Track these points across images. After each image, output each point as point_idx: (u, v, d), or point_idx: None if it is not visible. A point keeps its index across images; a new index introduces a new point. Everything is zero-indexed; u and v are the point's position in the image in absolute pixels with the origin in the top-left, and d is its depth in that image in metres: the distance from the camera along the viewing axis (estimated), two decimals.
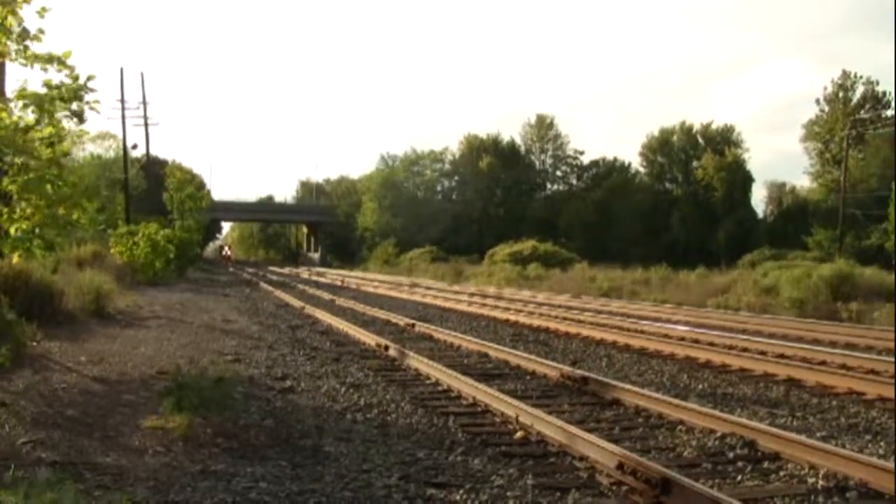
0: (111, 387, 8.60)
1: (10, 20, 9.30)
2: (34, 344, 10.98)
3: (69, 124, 10.19)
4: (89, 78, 9.84)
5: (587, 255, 52.49)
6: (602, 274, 37.45)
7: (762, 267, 35.88)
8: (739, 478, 5.61)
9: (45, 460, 5.60)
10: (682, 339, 13.94)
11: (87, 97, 9.94)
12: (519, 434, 6.79)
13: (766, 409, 8.09)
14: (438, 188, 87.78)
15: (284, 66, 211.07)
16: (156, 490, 5.01)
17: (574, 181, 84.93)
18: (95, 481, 5.12)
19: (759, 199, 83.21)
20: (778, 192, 72.75)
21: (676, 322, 17.47)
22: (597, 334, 14.59)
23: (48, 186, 9.98)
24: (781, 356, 11.69)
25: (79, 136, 10.65)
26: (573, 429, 6.40)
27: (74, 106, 9.88)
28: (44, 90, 9.69)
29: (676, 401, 7.78)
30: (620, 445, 5.98)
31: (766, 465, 5.94)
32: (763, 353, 12.12)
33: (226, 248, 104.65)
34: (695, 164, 74.30)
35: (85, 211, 10.68)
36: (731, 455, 6.16)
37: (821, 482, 5.42)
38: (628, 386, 8.67)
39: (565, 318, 17.61)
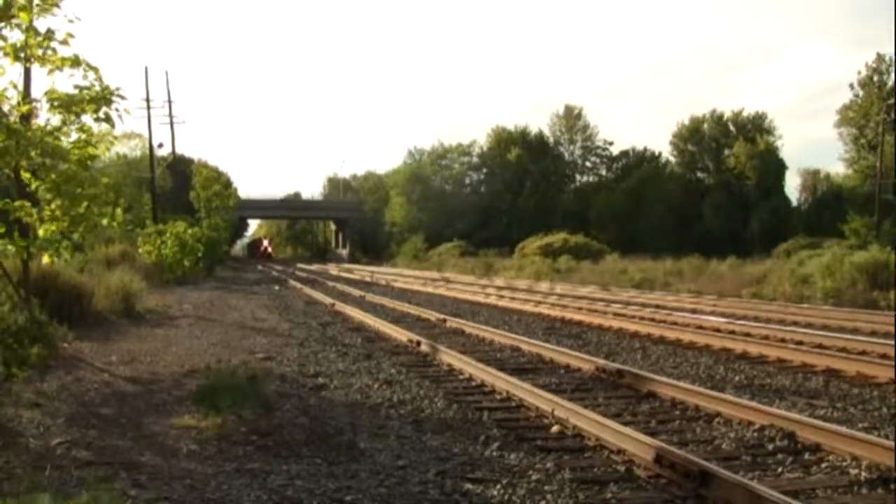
0: (143, 386, 8.69)
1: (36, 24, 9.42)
2: (66, 345, 11.09)
3: (97, 126, 10.30)
4: (117, 89, 9.96)
5: (618, 246, 52.21)
6: (633, 265, 37.28)
7: (797, 256, 35.47)
8: (780, 470, 5.57)
9: (81, 460, 5.67)
10: (717, 330, 13.85)
11: (116, 104, 10.05)
12: (555, 428, 6.79)
13: (805, 400, 8.01)
14: (466, 181, 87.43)
15: (310, 62, 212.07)
16: (192, 489, 5.06)
17: (604, 172, 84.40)
18: (131, 481, 5.17)
19: (792, 186, 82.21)
20: (812, 179, 71.76)
21: (711, 313, 17.37)
22: (630, 326, 14.55)
23: (77, 188, 10.10)
24: (820, 346, 11.58)
25: (110, 141, 10.70)
26: (609, 422, 6.39)
27: (103, 111, 9.99)
28: (73, 91, 9.80)
29: (713, 392, 7.74)
30: (657, 438, 5.96)
31: (806, 456, 5.89)
32: (800, 343, 12.01)
33: (265, 243, 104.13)
34: (726, 152, 73.55)
35: (114, 215, 10.79)
36: (770, 447, 6.12)
37: (863, 474, 5.37)
38: (664, 378, 8.65)
39: (598, 311, 17.57)
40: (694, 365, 10.50)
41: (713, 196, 71.11)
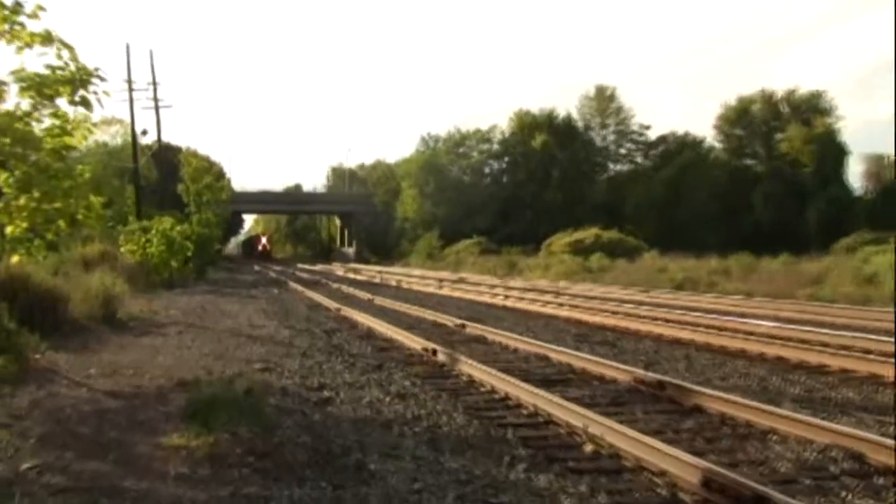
0: (126, 402, 8.67)
1: None
2: (38, 356, 11.11)
3: (73, 111, 10.27)
4: (95, 69, 9.94)
5: (657, 242, 52.07)
6: (674, 264, 37.19)
7: (861, 252, 35.26)
8: (846, 495, 5.52)
9: (55, 486, 5.66)
10: (770, 336, 13.76)
11: (94, 86, 10.01)
12: (588, 447, 6.76)
13: (874, 417, 7.95)
14: (486, 171, 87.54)
15: (311, 39, 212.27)
16: None
17: (640, 159, 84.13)
18: None
19: (854, 174, 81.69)
20: (877, 165, 71.29)
21: (762, 317, 17.29)
22: (671, 332, 14.54)
23: (51, 180, 10.09)
24: (888, 355, 11.48)
25: (88, 128, 10.65)
26: (650, 440, 6.36)
27: (79, 94, 9.97)
28: (44, 72, 9.78)
29: (767, 407, 7.69)
30: (705, 459, 5.93)
31: (877, 480, 5.83)
32: (868, 351, 11.93)
33: (262, 241, 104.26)
34: (778, 136, 73.16)
35: (90, 208, 10.77)
36: (834, 469, 6.07)
37: None
38: (710, 391, 8.60)
39: (635, 315, 17.57)
40: (744, 376, 10.46)
41: (764, 185, 70.71)
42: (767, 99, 76.00)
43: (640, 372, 9.79)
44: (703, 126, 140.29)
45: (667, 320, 16.54)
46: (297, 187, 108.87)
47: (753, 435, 7.17)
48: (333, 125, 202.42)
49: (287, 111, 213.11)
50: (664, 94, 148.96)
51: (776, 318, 16.88)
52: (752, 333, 14.20)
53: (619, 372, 10.10)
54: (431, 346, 12.33)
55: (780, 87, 78.74)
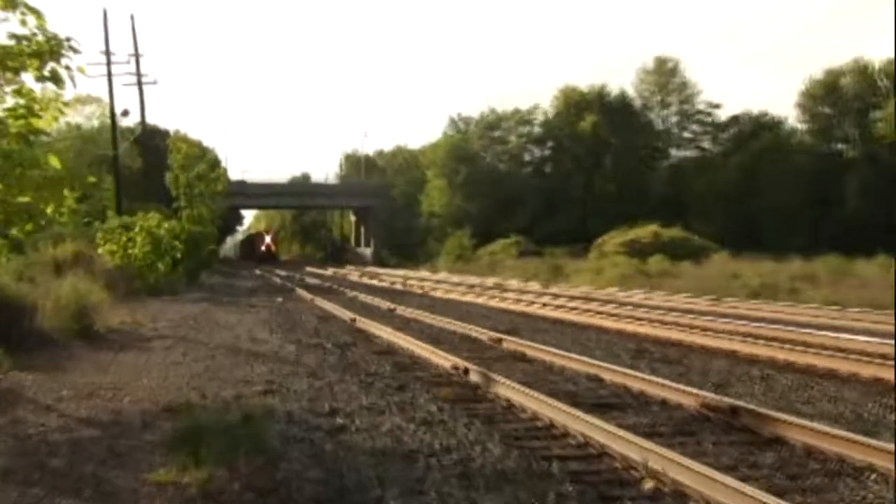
0: (104, 430, 8.73)
1: None
2: (0, 376, 11.18)
3: (41, 88, 10.30)
4: (67, 39, 9.96)
5: (728, 242, 51.73)
6: (749, 267, 36.99)
7: None
8: None
9: None
10: (866, 353, 13.65)
11: (67, 59, 10.02)
12: (648, 484, 6.75)
13: None
14: (527, 158, 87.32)
15: (320, 5, 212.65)
16: None
17: (708, 144, 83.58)
18: None
19: None
20: None
21: (856, 331, 17.13)
22: (746, 349, 14.48)
23: (16, 170, 10.12)
24: None
25: (59, 108, 10.67)
26: (722, 476, 6.32)
27: (49, 67, 9.99)
28: (7, 42, 9.81)
29: (862, 438, 7.62)
30: (787, 499, 5.88)
31: None
32: None
33: (266, 239, 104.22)
34: (875, 114, 72.55)
35: (62, 203, 10.80)
36: None
37: None
38: (794, 418, 8.55)
39: (702, 328, 17.55)
40: (834, 400, 10.40)
41: (857, 174, 70.12)
42: (861, 71, 75.26)
43: (709, 395, 9.75)
44: (783, 104, 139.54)
45: (741, 334, 16.44)
46: (305, 177, 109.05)
47: (846, 472, 7.12)
48: (347, 105, 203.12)
49: (293, 89, 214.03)
50: (737, 66, 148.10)
51: (872, 333, 16.72)
52: (843, 350, 14.13)
53: (684, 395, 10.06)
54: (463, 363, 12.33)
55: (876, 57, 78.11)
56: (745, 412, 8.92)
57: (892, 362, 12.25)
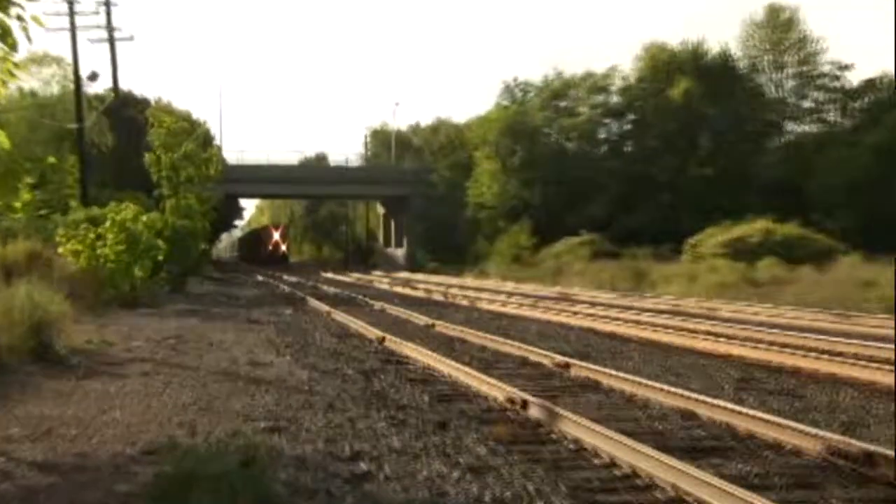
0: (64, 478, 8.60)
1: None
2: None
3: None
4: None
5: (860, 241, 51.03)
6: (887, 274, 36.44)
7: None
8: None
9: None
10: None
11: (19, 8, 9.78)
12: None
13: None
14: (602, 135, 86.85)
15: None
16: None
17: (835, 116, 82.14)
18: None
19: None
20: None
21: None
22: (885, 379, 14.10)
23: None
24: None
25: (9, 70, 10.44)
26: None
27: None
28: None
29: None
30: None
31: None
32: None
33: (275, 236, 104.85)
34: None
35: (16, 197, 10.69)
36: None
37: None
38: None
39: (826, 351, 17.39)
40: None
41: None
42: None
43: (836, 438, 9.48)
44: None
45: (875, 360, 16.13)
46: (321, 159, 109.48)
47: None
48: (373, 69, 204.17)
49: (305, 51, 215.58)
50: (872, 18, 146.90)
51: None
52: None
53: (804, 437, 9.77)
54: (520, 395, 12.16)
55: None
56: (883, 459, 8.63)
57: None
